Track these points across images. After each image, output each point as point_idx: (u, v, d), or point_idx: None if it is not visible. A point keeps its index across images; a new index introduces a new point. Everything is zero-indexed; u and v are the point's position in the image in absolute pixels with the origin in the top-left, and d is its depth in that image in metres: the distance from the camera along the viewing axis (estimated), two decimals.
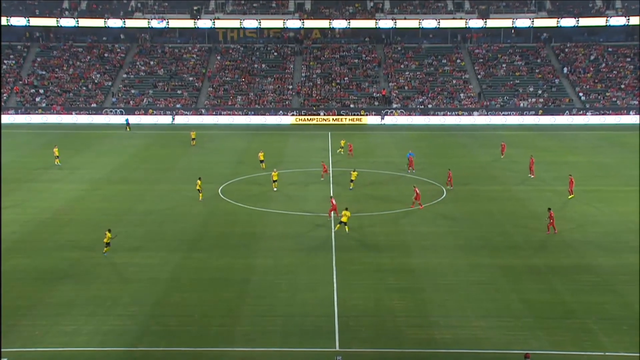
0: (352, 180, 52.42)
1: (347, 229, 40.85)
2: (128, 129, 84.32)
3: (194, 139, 73.06)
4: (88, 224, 43.69)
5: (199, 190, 49.12)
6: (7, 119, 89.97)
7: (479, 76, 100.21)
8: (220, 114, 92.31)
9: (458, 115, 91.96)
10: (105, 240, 37.25)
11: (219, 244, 39.84)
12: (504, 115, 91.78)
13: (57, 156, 61.69)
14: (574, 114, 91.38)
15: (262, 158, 60.76)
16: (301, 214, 45.59)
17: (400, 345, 27.55)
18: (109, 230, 37.65)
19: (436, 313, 30.41)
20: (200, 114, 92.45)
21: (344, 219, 40.93)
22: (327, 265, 36.20)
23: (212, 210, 47.08)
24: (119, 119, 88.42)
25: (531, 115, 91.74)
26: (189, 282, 34.12)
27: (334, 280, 34.10)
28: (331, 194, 45.90)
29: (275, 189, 51.46)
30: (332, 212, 43.93)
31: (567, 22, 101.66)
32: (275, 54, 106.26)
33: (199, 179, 49.74)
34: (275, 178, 51.87)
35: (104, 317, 29.79)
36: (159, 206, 47.79)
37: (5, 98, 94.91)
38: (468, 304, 31.34)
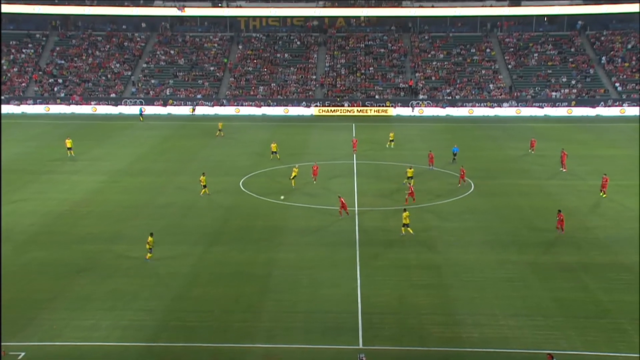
0: (409, 177, 50.97)
1: (410, 231, 39.61)
2: (141, 119, 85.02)
3: (220, 129, 73.46)
4: (107, 216, 44.19)
5: (204, 185, 48.69)
6: (25, 109, 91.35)
7: (509, 66, 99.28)
8: (242, 105, 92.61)
9: (487, 106, 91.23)
10: (148, 245, 36.13)
11: (240, 237, 40.04)
12: (535, 106, 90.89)
13: (70, 148, 62.28)
14: (609, 105, 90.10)
15: (274, 149, 60.82)
16: (324, 208, 45.60)
17: (425, 344, 27.52)
18: (152, 234, 36.67)
19: (463, 311, 30.30)
20: (222, 105, 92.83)
21: (406, 221, 39.74)
22: (351, 260, 36.24)
23: (234, 204, 47.30)
24: (138, 110, 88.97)
25: (564, 106, 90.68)
26: (210, 276, 34.38)
27: (358, 276, 34.13)
28: (339, 194, 44.92)
29: (293, 186, 50.64)
30: (343, 211, 43.37)
31: (604, 8, 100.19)
32: (299, 43, 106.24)
33: (203, 174, 49.41)
34: (294, 174, 50.87)
35: (122, 312, 30.14)
36: (179, 199, 48.12)
37: (24, 88, 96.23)
38: (496, 301, 31.19)
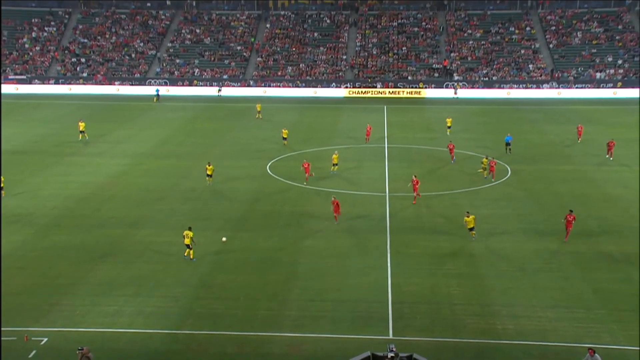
0: (484, 169, 49.87)
1: (473, 234, 37.57)
2: (156, 100, 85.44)
3: (259, 111, 73.69)
4: (131, 200, 44.63)
5: (210, 175, 47.78)
6: (48, 89, 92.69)
7: (550, 45, 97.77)
8: (269, 86, 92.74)
9: (526, 88, 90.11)
10: (186, 241, 34.35)
11: (266, 223, 40.17)
12: (577, 88, 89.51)
13: (82, 131, 62.45)
14: None
15: (285, 135, 60.66)
16: (354, 193, 45.51)
17: (458, 335, 27.38)
18: (190, 228, 34.71)
19: (498, 302, 30.07)
20: (249, 86, 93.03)
21: (471, 225, 37.55)
22: (381, 248, 36.16)
23: (260, 188, 47.42)
24: (163, 90, 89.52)
25: (609, 87, 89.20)
26: (235, 263, 34.54)
27: (388, 264, 34.04)
28: (333, 196, 41.50)
29: (331, 172, 50.28)
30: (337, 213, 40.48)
31: None
32: (329, 21, 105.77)
33: (209, 163, 48.32)
34: (335, 162, 50.36)
35: (146, 298, 30.44)
36: (205, 183, 48.30)
37: (46, 67, 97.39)
38: (534, 292, 30.89)
